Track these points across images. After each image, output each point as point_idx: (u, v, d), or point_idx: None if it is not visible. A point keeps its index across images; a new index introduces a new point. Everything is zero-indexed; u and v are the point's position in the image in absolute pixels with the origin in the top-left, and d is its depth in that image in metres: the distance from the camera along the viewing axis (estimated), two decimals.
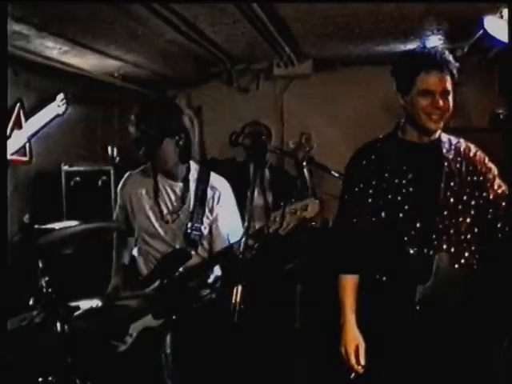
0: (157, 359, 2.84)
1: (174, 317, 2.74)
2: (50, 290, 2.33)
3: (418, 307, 2.40)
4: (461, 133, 2.69)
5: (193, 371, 2.91)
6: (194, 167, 3.12)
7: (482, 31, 4.18)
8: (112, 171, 5.23)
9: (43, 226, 2.34)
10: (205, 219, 3.02)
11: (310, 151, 5.31)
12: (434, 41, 4.73)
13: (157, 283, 2.79)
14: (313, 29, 4.51)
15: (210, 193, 3.06)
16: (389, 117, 5.00)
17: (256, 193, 4.41)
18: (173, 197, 3.06)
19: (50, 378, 2.37)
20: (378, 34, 4.68)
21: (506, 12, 3.79)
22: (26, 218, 2.29)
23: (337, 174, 4.64)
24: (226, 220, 3.07)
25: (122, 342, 2.74)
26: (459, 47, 4.83)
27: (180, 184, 3.07)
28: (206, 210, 3.04)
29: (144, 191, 3.09)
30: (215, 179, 3.13)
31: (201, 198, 3.04)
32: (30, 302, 2.36)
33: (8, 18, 3.38)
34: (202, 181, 3.08)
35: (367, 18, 4.22)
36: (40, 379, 2.35)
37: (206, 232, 3.03)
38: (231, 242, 3.04)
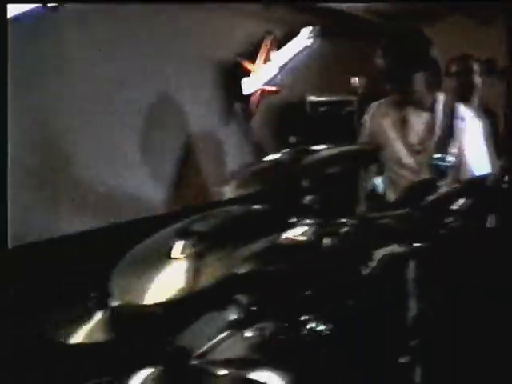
0: (401, 286, 2.90)
1: (418, 244, 2.78)
2: (317, 206, 2.50)
3: None
4: None
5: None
6: (441, 98, 3.12)
7: None
8: (356, 102, 5.35)
9: (307, 148, 2.47)
10: (452, 150, 3.03)
11: None
12: None
13: (403, 210, 2.85)
14: None
15: (457, 124, 3.06)
16: None
17: None
18: (420, 127, 3.09)
19: None
20: None
21: None
22: (292, 139, 2.43)
23: None
24: (473, 151, 3.06)
25: (366, 266, 2.83)
26: None
27: (428, 114, 3.08)
28: (453, 141, 3.04)
29: (391, 121, 3.16)
30: (463, 110, 3.11)
31: (448, 128, 3.05)
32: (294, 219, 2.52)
33: None
34: (450, 112, 3.08)
35: None
36: None
37: (452, 163, 3.04)
38: (477, 173, 3.03)
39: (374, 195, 3.31)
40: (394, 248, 2.75)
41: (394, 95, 3.17)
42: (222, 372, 1.43)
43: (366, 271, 2.69)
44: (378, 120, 3.22)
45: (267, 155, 2.61)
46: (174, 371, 1.35)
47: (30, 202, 3.24)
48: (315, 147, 2.48)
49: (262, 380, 1.38)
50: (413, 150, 3.08)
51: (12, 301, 2.74)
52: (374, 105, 3.31)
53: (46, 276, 3.02)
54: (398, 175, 3.12)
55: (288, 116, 5.40)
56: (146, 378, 1.37)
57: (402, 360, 2.27)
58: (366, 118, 3.33)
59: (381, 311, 2.44)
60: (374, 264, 2.72)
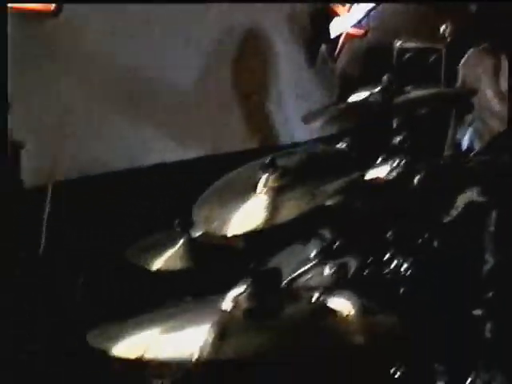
0: (479, 235, 2.87)
1: (499, 195, 2.74)
2: (405, 145, 2.50)
3: None
4: None
5: None
6: None
7: None
8: (443, 50, 5.22)
9: (398, 88, 2.47)
10: None
11: None
12: None
13: (489, 157, 2.81)
14: None
15: None
16: None
17: None
18: None
19: None
20: None
21: None
22: (384, 79, 2.41)
23: None
24: None
25: (446, 213, 2.79)
26: None
27: None
28: None
29: (484, 69, 3.13)
30: None
31: None
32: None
33: None
34: None
35: None
36: None
37: None
38: None
39: (461, 142, 3.28)
40: (476, 195, 2.71)
41: (488, 43, 3.12)
42: (306, 296, 1.47)
43: (447, 215, 2.67)
44: (471, 67, 3.20)
45: (352, 96, 2.61)
46: (258, 293, 1.40)
47: (121, 130, 3.32)
48: (406, 88, 2.46)
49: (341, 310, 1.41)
50: (504, 98, 3.03)
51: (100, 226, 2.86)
52: (469, 52, 3.29)
53: (134, 203, 3.11)
54: (485, 124, 3.09)
55: (374, 60, 5.32)
56: (232, 298, 1.43)
57: (476, 312, 2.27)
58: (460, 64, 3.30)
59: (460, 258, 2.43)
60: (455, 209, 2.69)
